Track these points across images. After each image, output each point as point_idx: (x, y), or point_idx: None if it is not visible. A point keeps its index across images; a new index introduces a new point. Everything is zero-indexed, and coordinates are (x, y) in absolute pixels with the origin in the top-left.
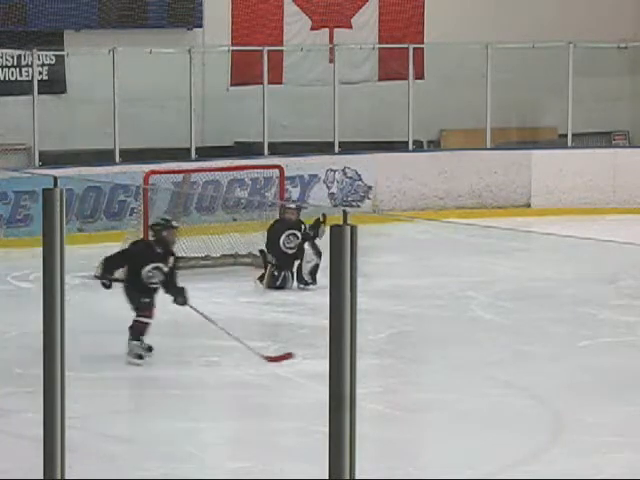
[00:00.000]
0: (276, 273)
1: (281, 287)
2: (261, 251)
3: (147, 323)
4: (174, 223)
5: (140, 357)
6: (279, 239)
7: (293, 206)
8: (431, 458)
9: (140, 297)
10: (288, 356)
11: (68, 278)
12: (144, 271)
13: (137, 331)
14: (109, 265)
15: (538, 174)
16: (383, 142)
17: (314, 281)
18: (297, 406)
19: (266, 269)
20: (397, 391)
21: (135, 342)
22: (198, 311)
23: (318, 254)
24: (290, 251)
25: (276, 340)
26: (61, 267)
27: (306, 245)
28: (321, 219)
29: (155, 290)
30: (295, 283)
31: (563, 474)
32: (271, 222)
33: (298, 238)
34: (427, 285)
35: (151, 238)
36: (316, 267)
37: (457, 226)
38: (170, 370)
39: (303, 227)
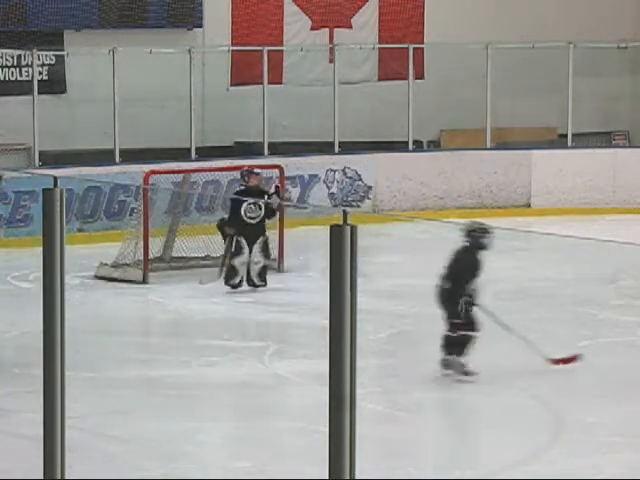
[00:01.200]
0: (235, 242)
1: (235, 253)
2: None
3: (468, 336)
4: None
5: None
6: (241, 208)
7: (258, 171)
8: (431, 458)
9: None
10: (575, 358)
11: (68, 278)
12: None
13: (462, 346)
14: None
15: (538, 174)
16: (383, 142)
17: (264, 282)
18: (297, 406)
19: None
20: (397, 391)
21: (458, 358)
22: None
23: (266, 256)
24: (252, 221)
25: (276, 340)
26: (61, 267)
27: (255, 246)
28: (273, 190)
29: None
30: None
31: (563, 474)
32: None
33: (260, 209)
34: (427, 285)
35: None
36: (264, 269)
37: (457, 226)
38: (170, 370)
39: (266, 196)
